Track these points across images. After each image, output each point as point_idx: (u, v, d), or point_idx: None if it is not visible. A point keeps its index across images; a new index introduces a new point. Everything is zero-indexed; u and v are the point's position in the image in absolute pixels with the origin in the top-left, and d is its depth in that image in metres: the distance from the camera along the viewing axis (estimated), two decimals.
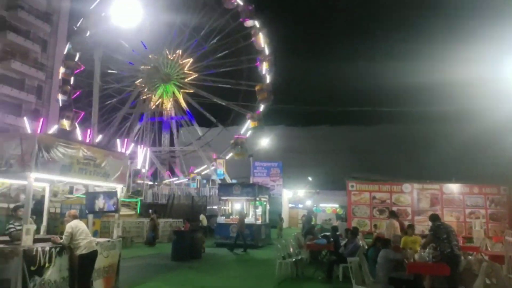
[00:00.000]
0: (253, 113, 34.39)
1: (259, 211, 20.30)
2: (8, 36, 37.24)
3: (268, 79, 34.18)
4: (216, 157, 35.08)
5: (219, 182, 31.00)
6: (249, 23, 33.81)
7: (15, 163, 6.97)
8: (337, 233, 12.76)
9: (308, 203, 41.64)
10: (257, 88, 34.30)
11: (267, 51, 34.13)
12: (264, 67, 33.67)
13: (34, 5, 40.36)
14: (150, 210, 20.25)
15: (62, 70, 35.71)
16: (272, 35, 35.27)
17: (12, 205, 14.06)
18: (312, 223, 21.17)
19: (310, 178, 46.56)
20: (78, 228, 7.55)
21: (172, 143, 41.10)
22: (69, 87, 34.83)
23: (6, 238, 7.74)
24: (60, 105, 35.43)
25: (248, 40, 35.29)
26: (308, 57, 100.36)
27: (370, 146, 51.28)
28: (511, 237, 9.77)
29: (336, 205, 38.98)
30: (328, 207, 40.22)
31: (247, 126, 34.44)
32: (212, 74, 38.64)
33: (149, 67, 38.24)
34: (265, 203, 21.41)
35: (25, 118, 26.60)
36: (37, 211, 11.92)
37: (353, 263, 8.17)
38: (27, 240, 6.80)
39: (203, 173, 35.43)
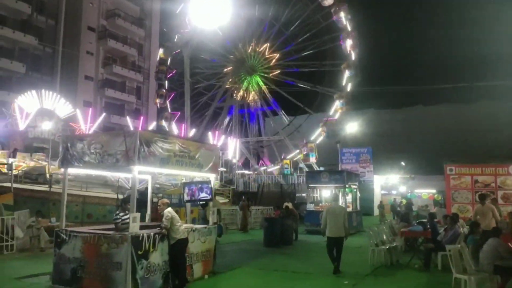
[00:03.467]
0: (341, 92, 33.72)
1: (349, 198, 19.96)
2: (109, 43, 41.03)
3: (353, 56, 33.22)
4: (306, 142, 35.08)
5: (307, 170, 31.02)
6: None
7: (121, 158, 7.76)
8: (435, 219, 12.05)
9: (402, 189, 39.72)
10: (343, 66, 33.56)
11: (349, 27, 33.11)
12: (348, 44, 32.78)
13: (129, 12, 43.89)
14: (243, 197, 21.07)
15: (156, 76, 38.50)
16: (355, 9, 34.30)
17: (121, 196, 15.68)
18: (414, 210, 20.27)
19: (403, 163, 44.37)
20: (174, 214, 8.20)
21: (259, 133, 42.18)
22: (164, 90, 37.49)
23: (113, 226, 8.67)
24: (158, 107, 38.27)
25: (328, 19, 34.57)
26: (395, 31, 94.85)
27: (468, 125, 47.20)
28: None
29: (433, 191, 36.65)
30: (424, 193, 38.00)
31: (336, 107, 33.91)
32: (295, 60, 38.69)
33: (234, 61, 39.48)
34: (355, 190, 20.96)
35: (127, 117, 29.26)
36: (142, 202, 13.09)
37: (453, 251, 7.71)
38: (134, 227, 7.57)
39: (294, 159, 35.57)
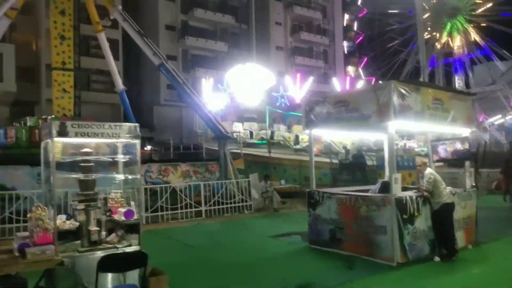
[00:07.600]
0: None
1: None
2: (295, 10, 41.51)
3: None
4: None
5: None
6: None
7: (372, 114, 7.08)
8: None
9: None
10: None
11: None
12: None
13: None
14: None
15: (346, 16, 36.80)
16: None
17: (334, 161, 15.48)
18: None
19: None
20: (437, 176, 7.18)
21: (467, 85, 36.74)
22: (352, 32, 35.86)
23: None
24: (345, 51, 36.74)
25: None
26: None
27: None
28: None
29: None
30: None
31: None
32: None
33: (432, 6, 34.89)
34: None
35: (333, 78, 29.14)
36: (357, 165, 12.42)
37: None
38: (396, 189, 6.85)
39: (497, 122, 30.10)
